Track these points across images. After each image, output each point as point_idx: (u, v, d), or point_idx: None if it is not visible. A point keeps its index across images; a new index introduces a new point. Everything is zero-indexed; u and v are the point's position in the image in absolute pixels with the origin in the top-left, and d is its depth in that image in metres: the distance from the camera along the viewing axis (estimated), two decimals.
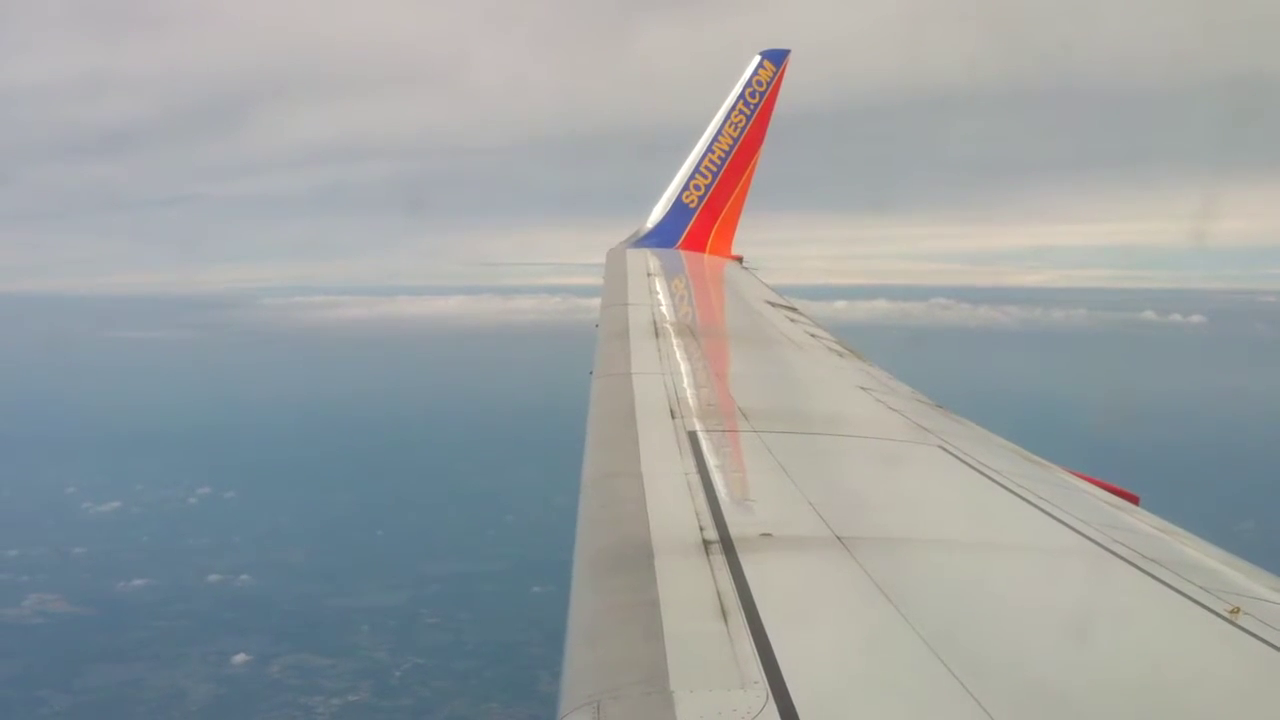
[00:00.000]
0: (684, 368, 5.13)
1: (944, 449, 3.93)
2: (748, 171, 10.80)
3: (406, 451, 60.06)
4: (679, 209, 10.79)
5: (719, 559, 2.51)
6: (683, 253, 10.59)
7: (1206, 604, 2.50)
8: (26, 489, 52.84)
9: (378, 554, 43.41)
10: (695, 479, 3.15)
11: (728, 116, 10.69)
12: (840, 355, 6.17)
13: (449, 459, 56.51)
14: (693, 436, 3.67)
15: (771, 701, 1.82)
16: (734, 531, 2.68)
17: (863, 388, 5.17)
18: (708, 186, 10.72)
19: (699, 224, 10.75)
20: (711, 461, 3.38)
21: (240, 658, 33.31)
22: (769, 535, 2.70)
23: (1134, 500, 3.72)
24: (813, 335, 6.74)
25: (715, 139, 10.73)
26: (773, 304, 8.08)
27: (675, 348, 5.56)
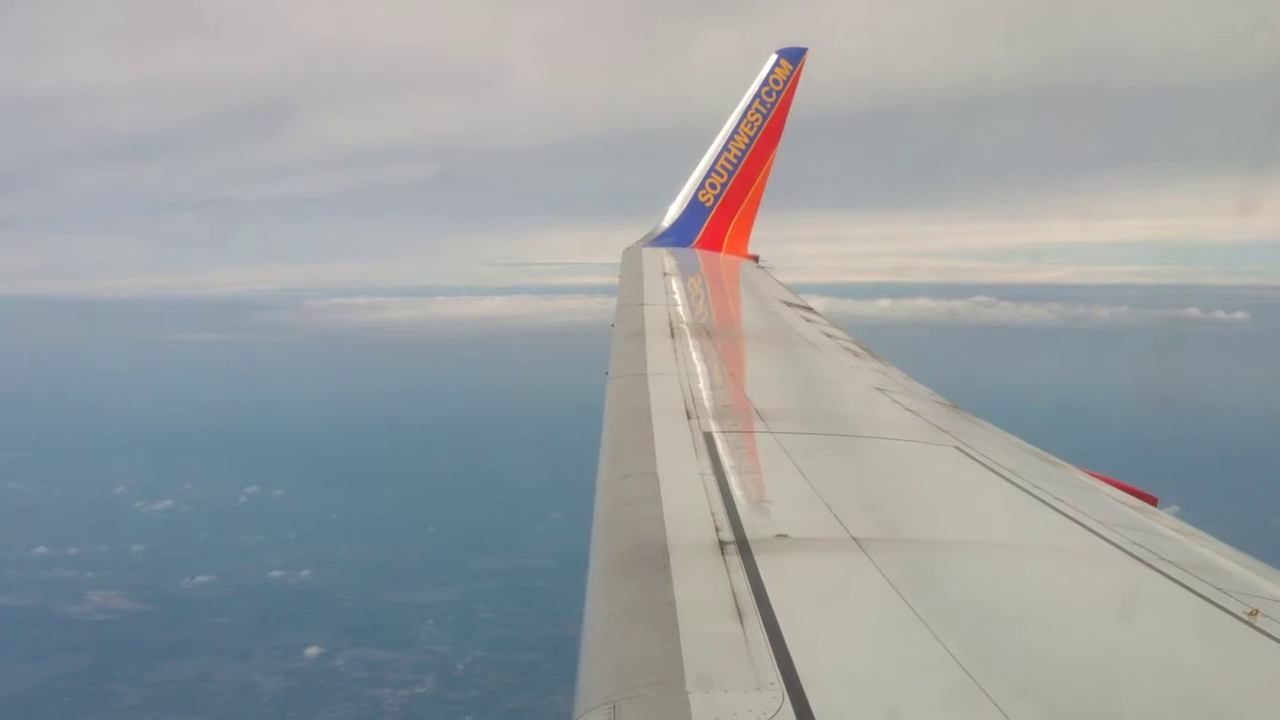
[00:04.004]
0: (700, 368, 5.14)
1: (961, 450, 3.92)
2: (764, 170, 10.75)
3: (450, 450, 60.84)
4: (695, 207, 10.79)
5: (735, 560, 2.52)
6: (698, 252, 10.57)
7: (1225, 606, 2.49)
8: (77, 489, 54.26)
9: (428, 550, 44.11)
10: (711, 480, 3.17)
11: (744, 115, 10.66)
12: (856, 355, 6.15)
13: (494, 457, 57.10)
14: (708, 437, 3.68)
15: (787, 703, 1.83)
16: (750, 532, 2.70)
17: (879, 388, 5.15)
18: (724, 185, 10.71)
19: (715, 223, 10.73)
20: (727, 462, 3.40)
21: (313, 650, 34.20)
22: (785, 536, 2.71)
23: (1152, 501, 3.67)
24: (829, 335, 6.71)
25: (731, 137, 10.70)
26: (789, 304, 8.05)
27: (691, 348, 5.57)
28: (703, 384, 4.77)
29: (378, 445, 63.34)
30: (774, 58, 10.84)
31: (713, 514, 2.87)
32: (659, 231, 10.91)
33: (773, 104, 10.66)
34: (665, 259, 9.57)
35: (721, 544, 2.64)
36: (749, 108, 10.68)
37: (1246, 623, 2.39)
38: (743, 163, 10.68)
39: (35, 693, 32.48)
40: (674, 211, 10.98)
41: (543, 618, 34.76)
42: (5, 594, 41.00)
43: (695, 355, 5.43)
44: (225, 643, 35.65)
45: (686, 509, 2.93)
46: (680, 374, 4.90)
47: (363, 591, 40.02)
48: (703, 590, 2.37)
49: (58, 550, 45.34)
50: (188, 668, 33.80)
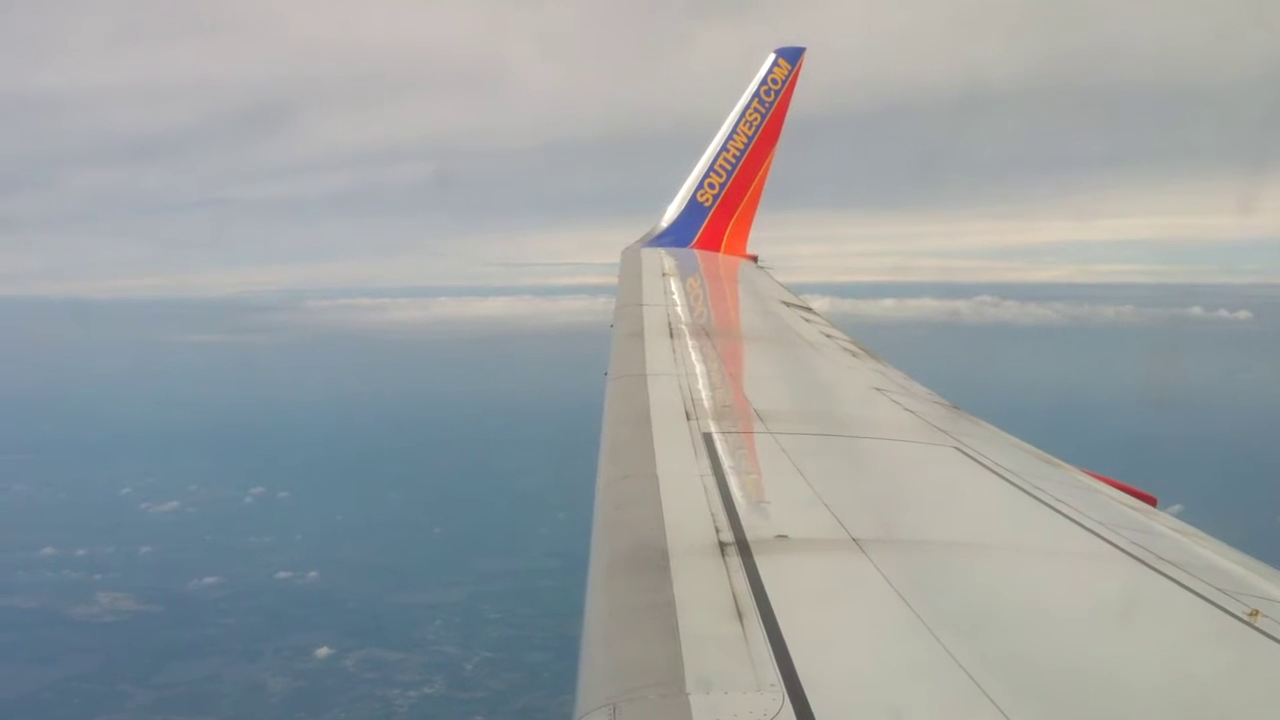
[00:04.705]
0: (699, 369, 5.14)
1: (960, 450, 3.92)
2: (763, 170, 10.77)
3: (455, 451, 60.79)
4: (694, 208, 10.80)
5: (735, 561, 2.52)
6: (697, 252, 10.57)
7: (1225, 606, 2.49)
8: (83, 491, 54.32)
9: (434, 551, 44.21)
10: (710, 481, 3.17)
11: (742, 114, 10.67)
12: (855, 355, 6.16)
13: (499, 458, 57.07)
14: (708, 438, 3.68)
15: (788, 704, 1.83)
16: (749, 533, 2.70)
17: (878, 389, 5.15)
18: (722, 185, 10.72)
19: (714, 223, 10.75)
20: (727, 463, 3.39)
21: (323, 651, 34.30)
22: (784, 537, 2.71)
23: (1151, 501, 3.67)
24: (827, 336, 6.72)
25: (730, 137, 10.72)
26: (787, 304, 8.06)
27: (690, 348, 5.56)
28: (702, 384, 4.77)
29: (382, 446, 63.48)
30: (772, 57, 10.86)
31: (712, 515, 2.87)
32: (657, 231, 10.91)
33: (771, 103, 10.67)
34: (664, 259, 9.56)
35: (721, 545, 2.64)
36: (747, 107, 10.69)
37: (1246, 623, 2.38)
38: (741, 162, 10.69)
39: (45, 694, 32.66)
40: (672, 211, 10.98)
41: (550, 618, 34.80)
42: (14, 596, 41.25)
43: (694, 356, 5.42)
44: (234, 643, 35.77)
45: (686, 510, 2.92)
46: (679, 374, 4.89)
47: (370, 592, 40.11)
48: (703, 591, 2.37)
49: (65, 552, 45.48)
50: (197, 669, 33.92)
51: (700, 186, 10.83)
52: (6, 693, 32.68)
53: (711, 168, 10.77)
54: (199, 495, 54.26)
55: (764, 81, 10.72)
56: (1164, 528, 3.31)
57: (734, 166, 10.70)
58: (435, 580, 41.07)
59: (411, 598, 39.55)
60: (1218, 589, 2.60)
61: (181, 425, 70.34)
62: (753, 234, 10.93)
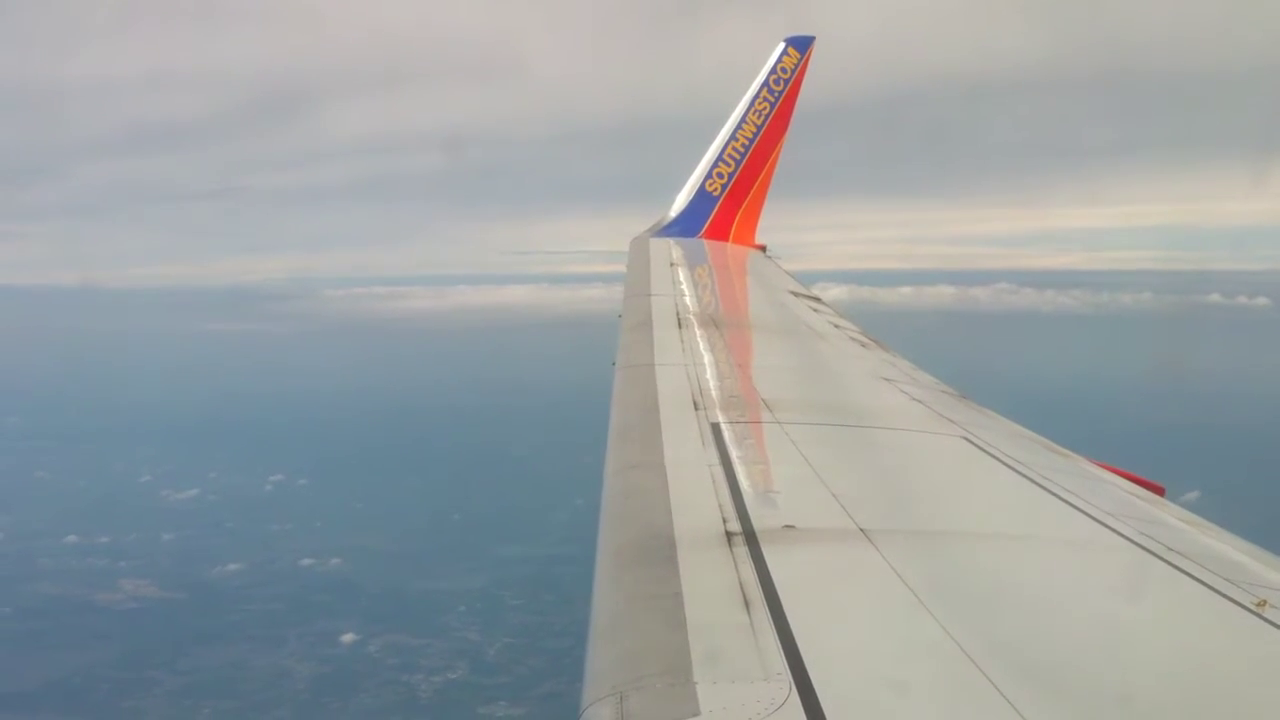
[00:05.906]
0: (707, 358, 5.13)
1: (968, 440, 3.90)
2: (772, 159, 10.75)
3: (473, 438, 60.90)
4: (702, 197, 10.81)
5: (742, 551, 2.52)
6: (706, 242, 10.59)
7: (1233, 596, 2.48)
8: (103, 478, 54.73)
9: (454, 538, 44.47)
10: (718, 470, 3.17)
11: (751, 104, 10.66)
12: (863, 346, 6.14)
13: (517, 445, 57.17)
14: (715, 428, 3.68)
15: (795, 694, 1.84)
16: (757, 523, 2.70)
17: (886, 379, 5.13)
18: (731, 174, 10.72)
19: (722, 212, 10.76)
20: (734, 453, 3.40)
21: (348, 637, 34.72)
22: (792, 527, 2.71)
23: (1159, 491, 3.65)
24: (836, 325, 6.71)
25: (739, 126, 10.71)
26: (796, 294, 8.04)
27: (698, 338, 5.57)
28: (710, 374, 4.77)
29: (400, 434, 63.65)
30: (781, 46, 10.83)
31: (720, 505, 2.87)
32: (666, 221, 10.94)
33: (780, 92, 10.63)
34: (672, 249, 9.58)
35: (729, 535, 2.65)
36: (756, 96, 10.67)
37: (1254, 613, 2.38)
38: (750, 152, 10.68)
39: (73, 680, 33.29)
40: (681, 201, 11.00)
41: (571, 604, 35.02)
42: (39, 583, 41.98)
43: (702, 345, 5.43)
44: (258, 630, 36.15)
45: (693, 500, 2.93)
46: (687, 364, 4.89)
47: (392, 579, 40.40)
48: (710, 581, 2.38)
49: (88, 539, 45.96)
50: (222, 655, 34.35)
51: (709, 176, 10.83)
52: (35, 679, 33.30)
53: (720, 157, 10.77)
54: (219, 483, 54.65)
55: (773, 70, 10.69)
56: (1171, 518, 3.30)
57: (743, 156, 10.69)
58: (456, 567, 41.32)
59: (433, 584, 39.85)
60: (1225, 579, 2.59)
61: (200, 413, 70.91)
62: (762, 222, 10.91)
